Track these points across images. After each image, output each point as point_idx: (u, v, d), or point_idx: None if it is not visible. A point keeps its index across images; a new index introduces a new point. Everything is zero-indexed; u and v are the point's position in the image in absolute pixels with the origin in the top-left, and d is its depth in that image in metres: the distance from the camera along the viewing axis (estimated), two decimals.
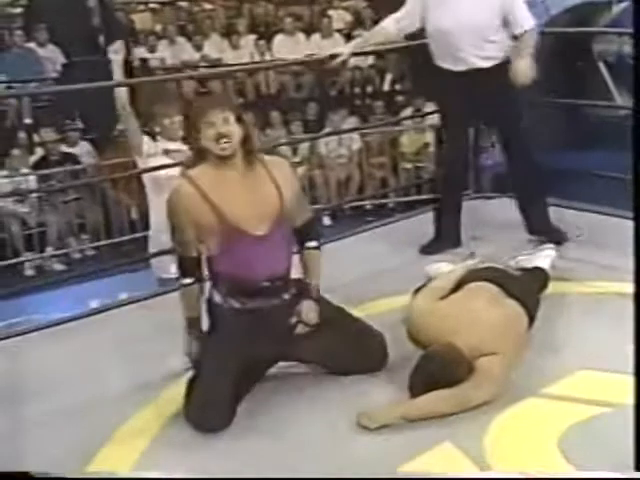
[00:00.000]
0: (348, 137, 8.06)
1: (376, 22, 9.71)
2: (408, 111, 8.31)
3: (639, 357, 1.58)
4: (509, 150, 3.40)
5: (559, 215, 3.47)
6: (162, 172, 3.27)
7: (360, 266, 3.23)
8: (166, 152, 3.41)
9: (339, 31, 9.33)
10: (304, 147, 8.11)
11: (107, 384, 2.44)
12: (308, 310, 2.34)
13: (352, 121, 8.23)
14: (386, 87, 9.13)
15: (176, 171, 3.09)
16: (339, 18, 9.59)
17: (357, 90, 9.09)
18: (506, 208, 3.73)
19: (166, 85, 3.42)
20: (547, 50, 8.38)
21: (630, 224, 3.37)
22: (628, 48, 7.90)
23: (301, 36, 9.24)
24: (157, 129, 3.46)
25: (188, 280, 2.31)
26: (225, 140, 2.22)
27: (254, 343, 2.27)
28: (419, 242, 3.47)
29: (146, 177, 3.48)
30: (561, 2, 8.12)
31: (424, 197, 6.93)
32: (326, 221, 7.59)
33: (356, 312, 2.54)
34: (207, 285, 2.37)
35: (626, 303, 2.67)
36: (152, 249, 3.57)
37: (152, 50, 8.92)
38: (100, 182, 7.17)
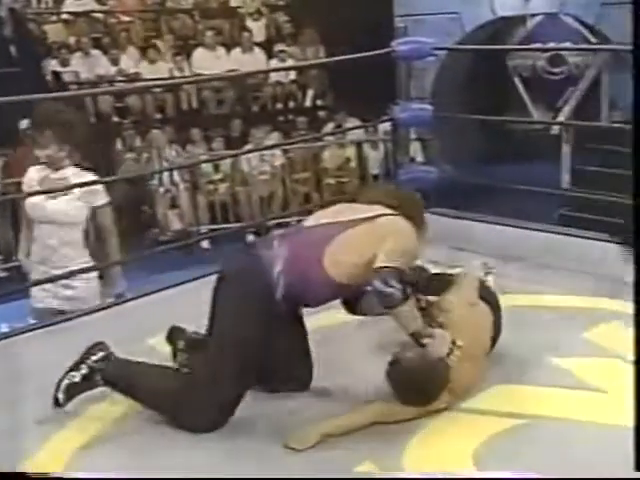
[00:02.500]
0: (270, 153, 8.13)
1: (296, 36, 9.95)
2: (330, 127, 8.47)
3: (639, 357, 1.68)
4: None
5: (471, 229, 3.61)
6: (45, 202, 3.03)
7: None
8: (44, 180, 3.10)
9: (259, 45, 9.41)
10: (226, 164, 8.12)
11: None
12: None
13: (275, 137, 8.31)
14: (308, 103, 9.27)
15: (62, 202, 2.98)
16: (259, 32, 9.67)
17: (279, 106, 9.18)
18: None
19: (59, 109, 3.08)
20: (463, 66, 8.74)
21: (544, 235, 3.58)
22: (542, 63, 8.28)
23: (221, 50, 9.27)
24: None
25: (409, 289, 2.30)
26: None
27: None
28: None
29: (27, 205, 3.12)
30: (476, 18, 8.45)
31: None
32: (250, 239, 7.60)
33: None
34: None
35: (542, 315, 2.83)
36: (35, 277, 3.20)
37: (65, 63, 8.76)
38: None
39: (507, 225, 3.69)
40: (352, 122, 8.14)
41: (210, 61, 9.01)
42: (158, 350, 2.57)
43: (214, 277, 3.24)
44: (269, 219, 7.94)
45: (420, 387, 2.13)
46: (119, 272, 3.32)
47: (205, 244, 7.38)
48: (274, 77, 9.22)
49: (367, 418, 2.16)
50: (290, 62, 9.12)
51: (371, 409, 2.18)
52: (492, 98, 8.36)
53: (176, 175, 7.85)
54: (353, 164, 8.44)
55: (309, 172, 8.37)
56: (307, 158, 8.42)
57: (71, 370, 2.28)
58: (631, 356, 2.44)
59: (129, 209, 7.91)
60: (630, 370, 2.39)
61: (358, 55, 3.82)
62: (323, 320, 2.67)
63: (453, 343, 2.23)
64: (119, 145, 8.32)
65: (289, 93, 9.24)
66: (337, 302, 2.47)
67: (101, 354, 2.29)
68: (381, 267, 2.18)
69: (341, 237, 2.25)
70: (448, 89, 8.52)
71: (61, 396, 2.25)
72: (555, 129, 7.96)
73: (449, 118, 7.72)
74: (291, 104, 9.21)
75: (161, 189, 7.83)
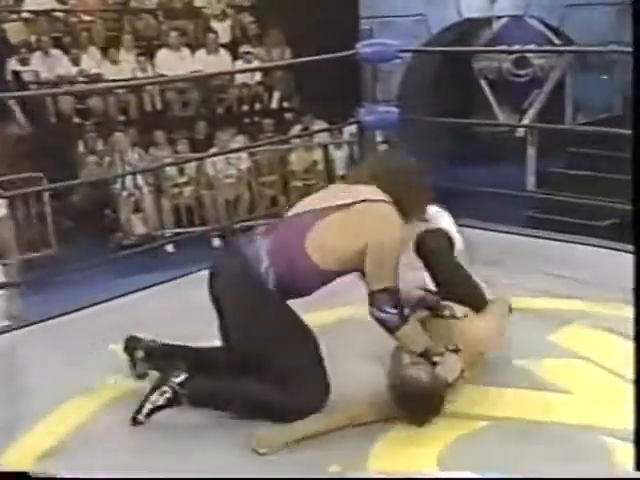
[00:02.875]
0: (236, 156, 8.09)
1: (261, 37, 9.93)
2: (297, 129, 8.46)
3: (639, 358, 1.69)
4: None
5: None
6: None
7: None
8: None
9: (224, 46, 9.38)
10: (191, 167, 8.06)
11: None
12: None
13: (240, 139, 8.28)
14: (274, 105, 9.25)
15: None
16: (224, 33, 9.63)
17: (245, 108, 9.15)
18: None
19: None
20: (430, 68, 8.80)
21: (511, 237, 3.62)
22: (508, 65, 8.38)
23: (186, 51, 9.22)
24: None
25: (407, 311, 2.25)
26: None
27: None
28: None
29: None
30: (442, 20, 8.52)
31: None
32: (216, 242, 7.57)
33: None
34: None
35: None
36: None
37: (25, 63, 8.63)
38: None
39: (474, 227, 3.73)
40: (319, 124, 8.16)
41: (174, 62, 8.94)
42: (120, 356, 2.54)
43: (180, 280, 3.23)
44: (235, 222, 7.92)
45: (422, 407, 2.14)
46: (16, 293, 3.23)
47: (170, 248, 7.32)
48: (240, 79, 9.19)
49: (341, 421, 2.16)
50: (256, 63, 9.10)
51: (346, 411, 2.18)
52: (459, 100, 8.44)
53: (140, 178, 7.77)
54: (320, 166, 8.44)
55: (276, 175, 8.35)
56: (274, 161, 8.40)
57: (153, 392, 2.23)
58: (597, 357, 2.50)
59: (92, 213, 7.84)
60: (595, 371, 2.44)
61: (323, 57, 3.83)
62: (319, 319, 2.64)
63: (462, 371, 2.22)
64: (81, 147, 8.21)
65: (255, 95, 9.22)
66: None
67: (183, 377, 2.24)
68: (372, 292, 2.17)
69: (319, 224, 2.22)
70: (415, 91, 8.58)
71: (142, 418, 2.23)
72: (520, 131, 8.06)
73: (416, 120, 7.79)
74: (257, 106, 9.19)
75: (124, 193, 7.75)
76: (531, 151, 7.95)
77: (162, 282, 3.43)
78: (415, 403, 2.12)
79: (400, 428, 2.16)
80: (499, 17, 8.47)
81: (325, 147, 8.49)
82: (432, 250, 2.50)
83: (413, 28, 8.25)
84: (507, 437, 2.11)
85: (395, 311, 2.16)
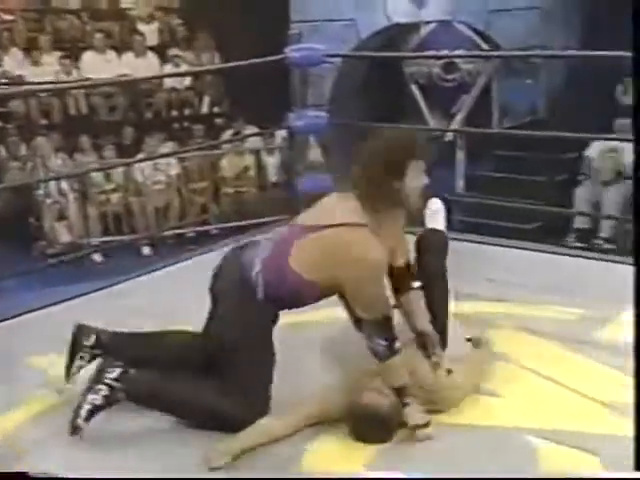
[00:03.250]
0: (166, 162, 7.99)
1: (190, 41, 9.82)
2: (228, 134, 8.41)
3: (639, 359, 1.70)
4: None
5: None
6: None
7: (174, 298, 3.17)
8: None
9: (152, 49, 9.25)
10: (118, 173, 7.92)
11: None
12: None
13: (170, 145, 8.17)
14: (204, 110, 9.18)
15: None
16: (152, 36, 9.50)
17: (174, 113, 9.04)
18: None
19: None
20: (360, 73, 8.89)
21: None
22: (437, 70, 8.53)
23: (112, 54, 9.05)
24: None
25: (398, 344, 2.15)
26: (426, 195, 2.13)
27: None
28: None
29: None
30: (371, 25, 8.62)
31: (248, 222, 7.03)
32: (145, 251, 7.45)
33: None
34: None
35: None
36: None
37: None
38: None
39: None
40: (250, 129, 8.12)
41: (100, 65, 8.77)
42: (37, 368, 2.48)
43: (107, 291, 3.18)
44: (165, 230, 7.82)
45: (375, 434, 2.13)
46: None
47: (98, 257, 7.17)
48: (168, 83, 9.07)
49: (291, 426, 2.16)
50: (185, 68, 9.00)
51: (299, 414, 2.18)
52: (390, 105, 8.54)
53: (64, 185, 7.59)
54: (252, 172, 8.41)
55: (206, 181, 8.28)
56: (204, 167, 8.32)
57: (88, 393, 2.16)
58: (523, 360, 2.57)
59: (15, 221, 7.60)
60: (521, 373, 2.51)
61: (252, 61, 3.83)
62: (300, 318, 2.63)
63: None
64: (3, 152, 7.96)
65: (184, 100, 9.11)
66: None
67: (118, 371, 2.19)
68: (362, 319, 2.13)
69: (301, 242, 2.18)
70: (346, 96, 8.64)
71: (81, 422, 2.14)
72: (449, 135, 8.21)
73: (348, 125, 7.85)
74: (187, 111, 9.07)
75: (48, 200, 7.55)
76: (460, 155, 8.11)
77: (88, 293, 3.37)
78: (370, 429, 2.12)
79: (331, 432, 2.17)
80: (427, 22, 8.62)
81: (257, 152, 8.47)
82: (430, 251, 2.49)
83: (343, 33, 8.31)
84: (435, 440, 2.14)
85: (384, 342, 2.11)
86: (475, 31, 8.21)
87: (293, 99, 4.11)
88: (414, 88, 8.74)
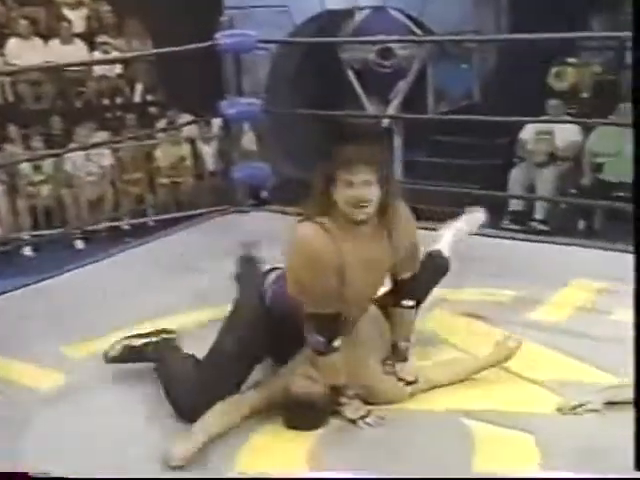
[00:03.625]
0: (98, 153, 7.82)
1: (120, 27, 9.61)
2: (162, 123, 8.29)
3: (639, 359, 1.71)
4: None
5: None
6: None
7: (104, 294, 3.15)
8: None
9: (80, 36, 9.02)
10: (48, 164, 7.72)
11: None
12: (406, 372, 2.28)
13: (102, 135, 8.00)
14: (137, 98, 9.01)
15: None
16: (79, 22, 9.26)
17: (106, 102, 8.86)
18: (263, 221, 3.90)
19: None
20: (296, 60, 8.88)
21: None
22: (373, 56, 8.58)
23: (38, 40, 8.79)
24: None
25: (338, 342, 2.12)
26: (364, 205, 2.06)
27: None
28: (178, 263, 3.50)
29: None
30: (305, 11, 8.61)
31: (185, 214, 6.96)
32: (79, 245, 7.30)
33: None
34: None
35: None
36: None
37: None
38: None
39: None
40: (185, 118, 8.01)
41: (26, 52, 8.51)
42: None
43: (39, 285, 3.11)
44: (99, 222, 7.67)
45: (304, 420, 2.14)
46: None
47: (28, 252, 7.00)
48: (98, 71, 8.85)
49: (243, 411, 2.16)
50: (115, 55, 8.81)
51: (246, 401, 2.18)
52: (326, 91, 8.55)
53: None
54: (188, 162, 8.31)
55: (141, 172, 8.14)
56: (138, 157, 8.17)
57: (134, 336, 2.46)
58: (458, 342, 2.61)
59: None
60: (455, 354, 2.55)
61: (182, 48, 3.78)
62: None
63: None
64: None
65: (116, 88, 8.92)
66: None
67: (171, 336, 2.47)
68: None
69: None
70: (282, 83, 8.62)
71: (112, 354, 2.44)
72: (385, 121, 8.28)
73: (285, 113, 7.83)
74: (119, 100, 8.90)
75: None
76: (397, 141, 8.20)
77: (18, 288, 3.29)
78: (300, 416, 2.13)
79: (271, 425, 2.17)
80: (361, 9, 8.66)
81: (193, 141, 8.37)
82: (425, 276, 2.47)
83: (277, 19, 8.28)
84: (376, 430, 2.14)
85: (321, 339, 2.10)
86: (409, 17, 8.29)
87: (227, 87, 4.07)
88: (350, 74, 8.78)
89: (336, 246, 2.06)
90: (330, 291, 2.07)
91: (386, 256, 2.18)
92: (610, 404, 2.13)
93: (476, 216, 3.02)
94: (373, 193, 2.08)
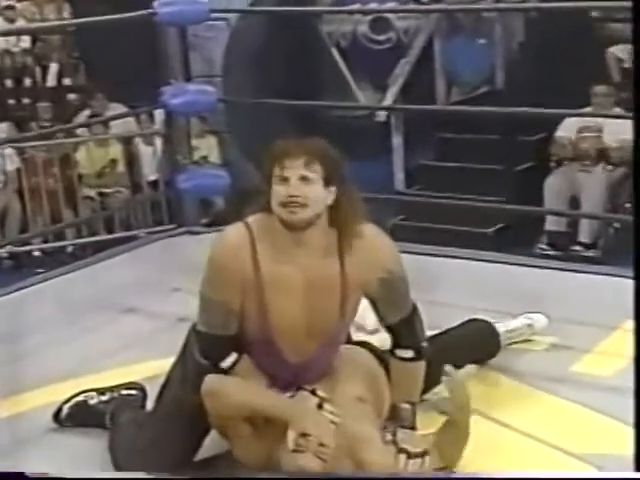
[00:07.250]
0: None
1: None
2: (84, 115, 8.31)
3: (639, 359, 1.82)
4: None
5: None
6: None
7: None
8: None
9: None
10: None
11: None
12: (409, 442, 2.30)
13: (4, 129, 8.03)
14: (51, 82, 9.06)
15: None
16: None
17: (9, 84, 8.90)
18: None
19: None
20: (263, 34, 8.93)
21: None
22: (364, 28, 8.62)
23: None
24: None
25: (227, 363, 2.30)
26: (295, 204, 2.17)
27: None
28: (106, 301, 3.51)
29: None
30: None
31: (116, 236, 6.95)
32: None
33: None
34: None
35: None
36: None
37: None
38: None
39: None
40: (116, 110, 8.04)
41: None
42: None
43: None
44: (2, 245, 7.63)
45: None
46: None
47: None
48: None
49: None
50: (21, 23, 8.85)
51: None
52: (304, 75, 8.57)
53: None
54: (120, 168, 8.31)
55: (57, 180, 8.13)
56: (54, 160, 8.17)
57: (91, 391, 2.65)
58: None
59: None
60: None
61: (109, 17, 3.81)
62: None
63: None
64: None
65: (22, 67, 8.99)
66: None
67: (135, 393, 2.65)
68: None
69: None
70: (244, 65, 8.64)
71: (65, 412, 2.63)
72: (381, 115, 8.30)
73: (246, 103, 7.83)
74: (26, 82, 8.96)
75: None
76: (397, 140, 8.21)
77: None
78: None
79: None
80: None
81: (127, 141, 8.38)
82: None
83: None
84: None
85: (203, 360, 2.29)
86: None
87: (170, 69, 4.11)
88: (334, 52, 8.81)
89: (253, 255, 2.22)
90: (226, 309, 2.24)
91: (335, 282, 2.25)
92: None
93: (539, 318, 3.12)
94: (312, 192, 2.18)
